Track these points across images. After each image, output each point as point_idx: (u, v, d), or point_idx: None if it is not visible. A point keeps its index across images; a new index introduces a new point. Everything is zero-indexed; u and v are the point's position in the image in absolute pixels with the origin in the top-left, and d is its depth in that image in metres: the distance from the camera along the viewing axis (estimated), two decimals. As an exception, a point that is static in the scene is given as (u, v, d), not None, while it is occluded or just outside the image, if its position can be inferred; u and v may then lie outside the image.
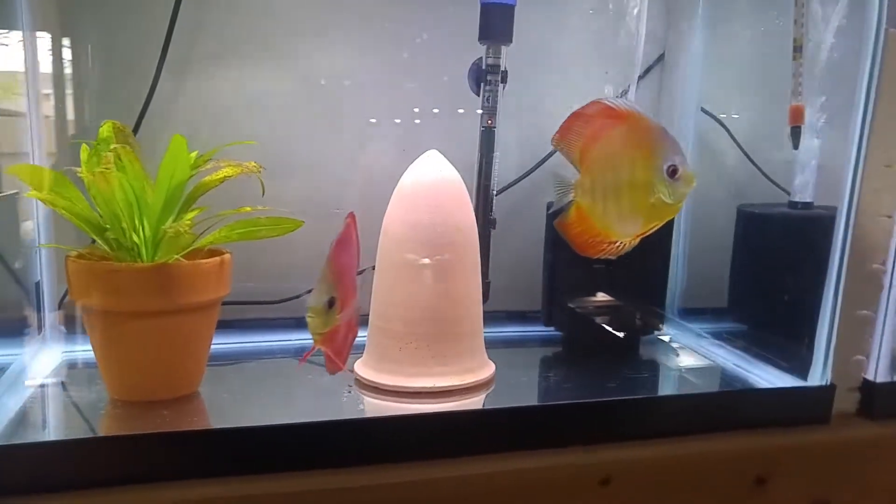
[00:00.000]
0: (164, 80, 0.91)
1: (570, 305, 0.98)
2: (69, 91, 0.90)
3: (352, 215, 0.67)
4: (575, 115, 0.66)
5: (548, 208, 0.95)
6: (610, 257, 0.69)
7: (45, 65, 0.87)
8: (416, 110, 1.01)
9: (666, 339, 1.02)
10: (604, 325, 0.98)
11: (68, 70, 0.90)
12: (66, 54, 0.89)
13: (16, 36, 0.83)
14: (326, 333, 0.62)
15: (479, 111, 0.93)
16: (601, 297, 0.98)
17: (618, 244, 0.67)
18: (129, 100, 0.90)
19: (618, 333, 0.98)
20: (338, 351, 0.66)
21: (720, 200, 1.09)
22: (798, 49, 0.86)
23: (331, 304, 0.61)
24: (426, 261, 0.77)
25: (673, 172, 0.63)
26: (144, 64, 0.90)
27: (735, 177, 1.12)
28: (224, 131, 0.92)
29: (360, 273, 0.95)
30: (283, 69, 0.97)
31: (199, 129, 0.93)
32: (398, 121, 1.01)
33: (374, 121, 1.01)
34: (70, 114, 0.90)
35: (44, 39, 0.87)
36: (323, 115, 0.99)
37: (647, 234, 0.68)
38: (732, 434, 0.77)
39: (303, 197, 0.95)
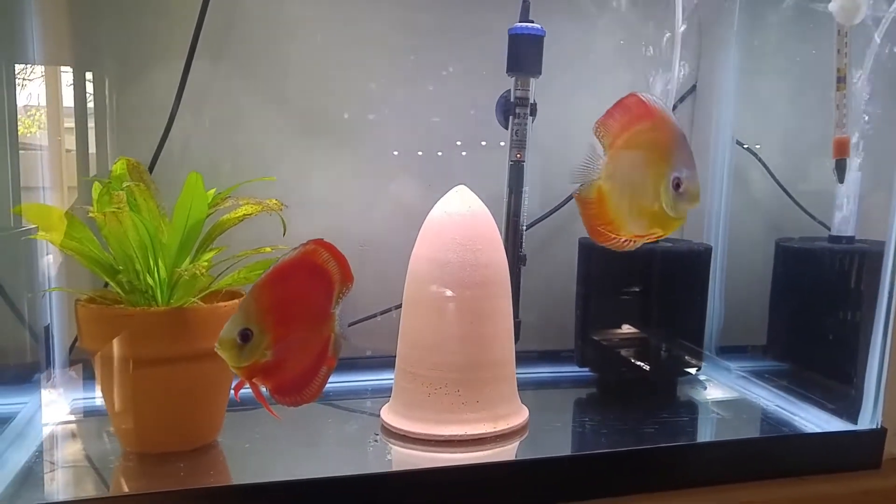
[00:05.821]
0: (183, 116, 0.89)
1: (604, 345, 0.94)
2: (91, 125, 0.87)
3: (318, 242, 0.60)
4: (616, 104, 0.65)
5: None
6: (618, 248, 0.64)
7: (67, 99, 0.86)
8: (442, 144, 0.99)
9: (702, 377, 0.99)
10: (639, 366, 0.94)
11: (90, 104, 0.87)
12: (89, 88, 0.87)
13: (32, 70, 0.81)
14: (259, 367, 0.56)
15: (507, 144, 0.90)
16: (636, 335, 0.94)
17: (622, 240, 0.64)
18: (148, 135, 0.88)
19: (651, 374, 0.94)
20: (288, 388, 0.59)
21: (758, 234, 1.06)
22: (841, 79, 0.83)
23: (244, 336, 0.55)
24: (455, 301, 0.73)
25: (677, 185, 0.61)
26: (163, 98, 0.88)
27: (773, 210, 1.09)
28: (246, 166, 0.90)
29: (383, 312, 0.92)
30: (306, 102, 0.95)
31: (219, 165, 0.91)
32: (424, 155, 0.99)
33: (397, 154, 0.98)
34: (91, 148, 0.87)
35: (66, 74, 0.85)
36: (347, 148, 0.96)
37: (648, 239, 0.64)
38: (777, 482, 0.73)
39: (327, 233, 0.92)
